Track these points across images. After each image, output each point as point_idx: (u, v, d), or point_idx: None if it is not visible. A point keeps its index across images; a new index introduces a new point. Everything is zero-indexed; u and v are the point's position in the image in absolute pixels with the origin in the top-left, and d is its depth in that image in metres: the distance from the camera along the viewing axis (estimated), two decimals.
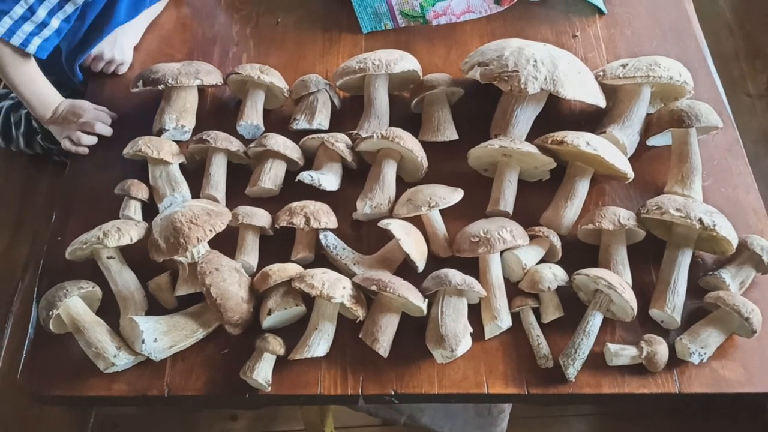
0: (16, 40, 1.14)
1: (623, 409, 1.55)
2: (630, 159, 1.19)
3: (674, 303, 1.04)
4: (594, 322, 1.02)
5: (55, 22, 1.16)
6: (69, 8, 1.16)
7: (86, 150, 1.23)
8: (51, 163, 1.58)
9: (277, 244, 1.12)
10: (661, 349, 1.01)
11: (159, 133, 1.20)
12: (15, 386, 1.05)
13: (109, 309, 1.06)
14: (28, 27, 1.14)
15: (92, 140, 1.23)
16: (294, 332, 1.03)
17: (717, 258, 1.12)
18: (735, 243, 1.05)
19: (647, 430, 1.56)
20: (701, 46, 1.37)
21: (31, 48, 1.16)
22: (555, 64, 1.13)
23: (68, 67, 1.32)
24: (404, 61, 1.19)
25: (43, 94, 1.24)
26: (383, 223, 1.06)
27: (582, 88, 1.14)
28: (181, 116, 1.20)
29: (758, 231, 1.13)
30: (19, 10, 1.12)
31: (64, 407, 1.11)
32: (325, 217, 1.09)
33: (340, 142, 1.15)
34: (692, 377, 1.03)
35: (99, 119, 1.24)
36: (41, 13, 1.14)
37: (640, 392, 1.02)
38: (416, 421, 1.36)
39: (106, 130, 1.24)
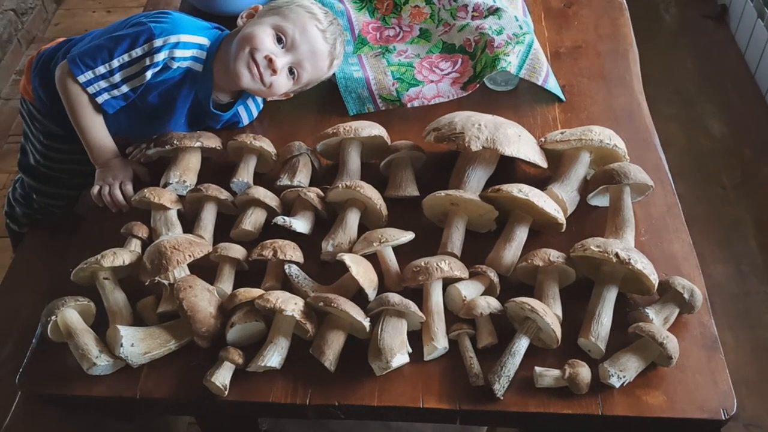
0: (91, 89, 1.39)
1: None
2: (572, 216, 1.33)
3: (598, 332, 1.13)
4: (520, 343, 1.12)
5: (125, 88, 1.40)
6: (137, 82, 1.41)
7: (101, 202, 1.44)
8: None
9: (251, 279, 1.27)
10: (582, 371, 1.10)
11: (164, 186, 1.40)
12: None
13: (101, 325, 1.22)
14: (103, 83, 1.39)
15: (110, 202, 1.43)
16: (256, 350, 1.17)
17: (648, 299, 1.21)
18: (653, 278, 1.15)
19: None
20: (649, 127, 1.53)
21: (100, 99, 1.40)
22: (497, 128, 1.30)
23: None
24: (371, 128, 1.38)
25: (103, 143, 1.46)
26: (339, 256, 1.21)
27: (521, 148, 1.30)
28: (183, 173, 1.41)
29: (690, 278, 1.23)
30: (102, 69, 1.38)
31: (53, 406, 1.25)
32: (290, 251, 1.25)
33: (312, 192, 1.33)
34: (615, 401, 1.10)
35: (126, 191, 1.42)
36: (117, 77, 1.39)
37: (564, 412, 1.10)
38: None
39: (121, 203, 1.42)
